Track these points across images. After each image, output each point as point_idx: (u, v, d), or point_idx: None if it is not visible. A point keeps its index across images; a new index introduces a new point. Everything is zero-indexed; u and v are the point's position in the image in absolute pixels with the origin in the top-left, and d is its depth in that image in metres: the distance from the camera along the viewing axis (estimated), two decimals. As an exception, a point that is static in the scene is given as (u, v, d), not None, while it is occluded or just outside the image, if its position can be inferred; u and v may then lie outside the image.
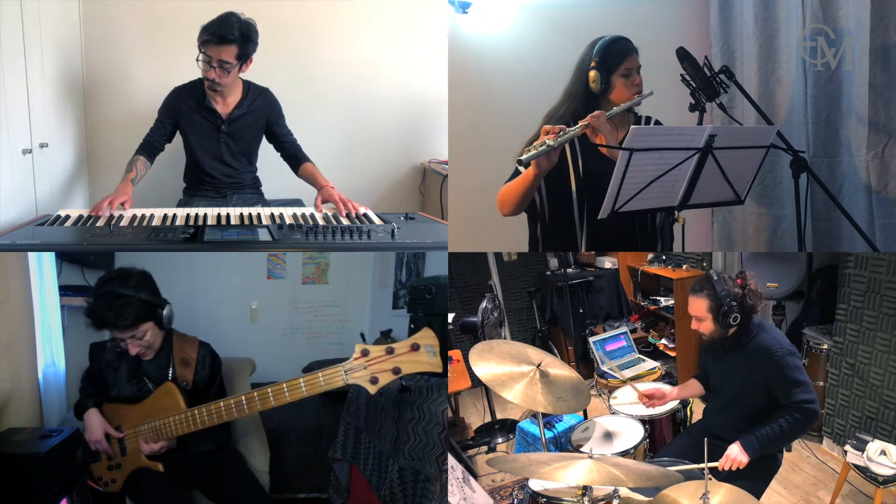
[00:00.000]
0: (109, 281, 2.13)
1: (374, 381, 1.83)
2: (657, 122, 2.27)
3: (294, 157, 2.98)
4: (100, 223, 2.40)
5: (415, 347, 1.80)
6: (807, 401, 2.04)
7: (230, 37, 2.61)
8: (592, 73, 2.11)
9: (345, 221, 2.54)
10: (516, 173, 2.09)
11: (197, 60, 2.67)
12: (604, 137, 2.02)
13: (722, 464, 2.05)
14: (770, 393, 2.10)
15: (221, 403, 2.02)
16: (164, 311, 2.17)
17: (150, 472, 2.12)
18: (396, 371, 1.81)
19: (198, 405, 2.08)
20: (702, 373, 2.44)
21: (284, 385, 1.91)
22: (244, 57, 2.69)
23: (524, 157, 1.95)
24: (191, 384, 2.20)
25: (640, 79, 2.13)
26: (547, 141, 1.94)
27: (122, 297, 2.08)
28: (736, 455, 2.04)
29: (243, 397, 1.98)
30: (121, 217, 2.46)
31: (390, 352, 1.82)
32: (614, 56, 2.11)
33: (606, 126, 2.01)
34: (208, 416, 2.04)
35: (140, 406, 2.17)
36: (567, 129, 1.98)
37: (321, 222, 2.51)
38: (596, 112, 2.02)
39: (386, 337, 1.99)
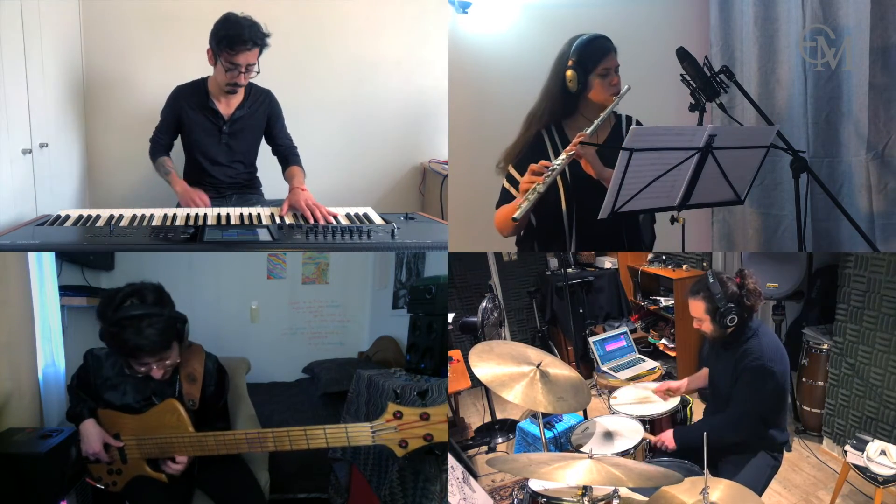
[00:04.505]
0: (125, 301, 1.93)
1: (403, 444, 1.77)
2: (637, 122, 2.25)
3: (286, 159, 2.98)
4: (100, 223, 2.40)
5: None
6: (741, 413, 2.11)
7: (258, 40, 2.62)
8: (570, 73, 2.09)
9: (344, 221, 2.54)
10: (505, 194, 2.11)
11: (226, 70, 2.66)
12: (586, 162, 2.02)
13: (654, 439, 2.24)
14: None
15: (235, 436, 1.97)
16: (186, 326, 2.03)
17: (151, 480, 2.06)
18: (428, 438, 1.75)
19: (204, 423, 2.04)
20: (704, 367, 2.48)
21: (306, 431, 1.86)
22: (261, 53, 2.69)
23: (517, 214, 1.94)
24: (197, 403, 2.08)
25: (617, 79, 2.11)
26: (537, 187, 1.95)
27: (148, 318, 1.90)
28: (667, 439, 2.20)
29: (258, 434, 1.92)
30: (121, 217, 2.46)
31: (425, 417, 1.76)
32: (592, 55, 2.08)
33: (590, 150, 2.02)
34: (217, 445, 1.97)
35: (140, 417, 2.06)
36: (553, 166, 1.98)
37: (321, 222, 2.50)
38: (577, 138, 2.01)
39: (422, 397, 1.93)
